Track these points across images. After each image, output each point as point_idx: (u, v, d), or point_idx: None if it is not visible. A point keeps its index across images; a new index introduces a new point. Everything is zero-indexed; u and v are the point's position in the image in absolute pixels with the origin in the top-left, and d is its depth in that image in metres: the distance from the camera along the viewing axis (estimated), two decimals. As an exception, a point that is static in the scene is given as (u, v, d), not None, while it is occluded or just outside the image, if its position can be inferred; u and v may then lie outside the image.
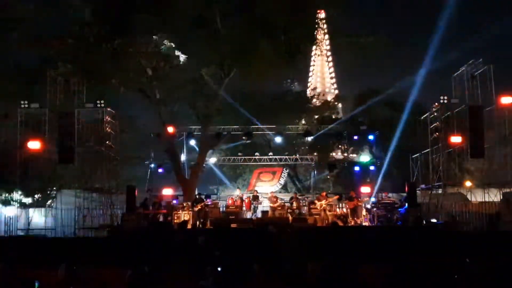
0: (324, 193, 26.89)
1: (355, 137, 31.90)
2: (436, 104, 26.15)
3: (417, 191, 26.05)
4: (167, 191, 27.34)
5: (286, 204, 26.08)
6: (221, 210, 25.92)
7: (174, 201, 26.59)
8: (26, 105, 25.53)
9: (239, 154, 32.77)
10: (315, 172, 37.81)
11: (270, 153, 32.82)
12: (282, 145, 36.44)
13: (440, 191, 26.53)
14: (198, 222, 24.43)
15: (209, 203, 25.75)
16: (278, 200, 25.96)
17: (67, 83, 25.99)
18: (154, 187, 29.15)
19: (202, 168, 33.52)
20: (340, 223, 24.21)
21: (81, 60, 28.10)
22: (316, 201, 25.63)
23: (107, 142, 26.47)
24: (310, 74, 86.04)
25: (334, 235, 20.57)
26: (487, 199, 25.15)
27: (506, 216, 22.96)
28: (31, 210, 25.50)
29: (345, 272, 12.89)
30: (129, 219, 23.47)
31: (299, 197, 27.46)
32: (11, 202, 26.34)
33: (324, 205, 24.96)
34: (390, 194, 28.38)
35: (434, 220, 23.78)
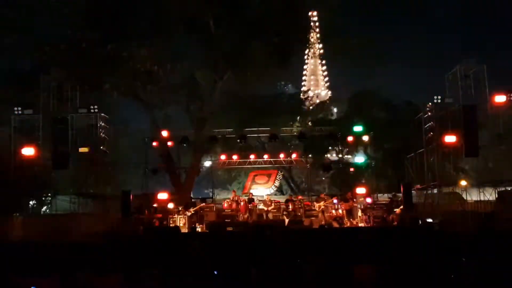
0: (322, 195, 26.91)
1: (350, 138, 31.82)
2: (430, 104, 26.18)
3: (413, 191, 26.03)
4: (162, 196, 27.22)
5: (282, 206, 26.07)
6: (216, 213, 25.85)
7: (170, 205, 26.49)
8: (20, 111, 25.48)
9: (234, 157, 32.61)
10: (310, 174, 37.73)
11: (265, 156, 32.72)
12: (277, 148, 36.41)
13: (435, 190, 26.57)
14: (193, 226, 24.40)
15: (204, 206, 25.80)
16: (273, 203, 25.96)
17: (61, 89, 25.95)
18: (149, 192, 29.03)
19: (197, 172, 33.47)
20: (336, 225, 24.22)
21: (74, 65, 28.05)
22: (315, 203, 25.70)
23: (101, 147, 26.41)
24: (304, 76, 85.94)
25: (329, 236, 20.60)
26: (482, 198, 25.18)
27: (501, 215, 22.97)
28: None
29: (340, 272, 12.91)
30: (125, 224, 23.42)
31: (294, 199, 27.46)
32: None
33: (322, 207, 25.01)
34: (385, 195, 28.44)
35: (429, 220, 23.80)
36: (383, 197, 29.28)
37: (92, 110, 25.78)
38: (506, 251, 17.31)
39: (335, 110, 57.06)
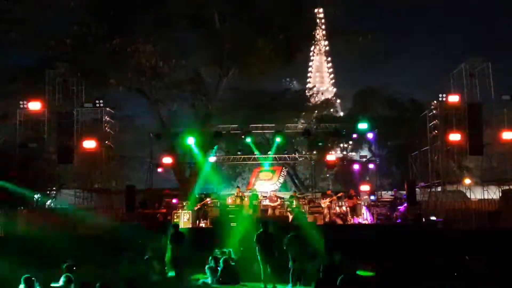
0: (329, 191, 26.91)
1: (354, 135, 31.84)
2: (435, 102, 26.16)
3: (417, 189, 26.04)
4: (167, 191, 27.33)
5: (286, 202, 26.09)
6: (220, 209, 25.84)
7: (174, 201, 26.56)
8: (25, 105, 25.56)
9: (238, 153, 32.68)
10: (314, 170, 37.77)
11: (269, 152, 32.72)
12: (281, 144, 36.44)
13: (439, 189, 26.56)
14: (197, 221, 24.46)
15: (209, 202, 25.77)
16: (278, 200, 25.97)
17: (66, 83, 26.04)
18: (154, 187, 29.11)
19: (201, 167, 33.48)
20: (340, 222, 24.23)
21: (79, 60, 28.15)
22: (321, 199, 25.70)
23: (106, 142, 26.49)
24: (309, 72, 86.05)
25: (333, 233, 20.64)
26: (486, 197, 25.18)
27: (505, 213, 22.98)
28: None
29: (345, 269, 12.88)
30: (129, 219, 23.50)
31: (299, 196, 27.48)
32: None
33: (328, 203, 25.01)
34: (389, 192, 28.44)
35: (433, 218, 23.80)
36: (387, 195, 29.30)
37: (97, 105, 25.85)
38: (509, 250, 17.33)
39: (340, 107, 57.17)
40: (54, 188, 28.53)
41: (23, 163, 25.46)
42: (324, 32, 50.62)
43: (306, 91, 54.94)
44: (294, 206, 25.39)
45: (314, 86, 67.79)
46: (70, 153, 25.14)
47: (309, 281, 13.99)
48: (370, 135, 30.20)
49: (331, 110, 50.98)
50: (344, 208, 25.40)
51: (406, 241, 19.10)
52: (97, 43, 28.41)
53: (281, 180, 35.35)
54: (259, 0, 30.26)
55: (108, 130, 26.68)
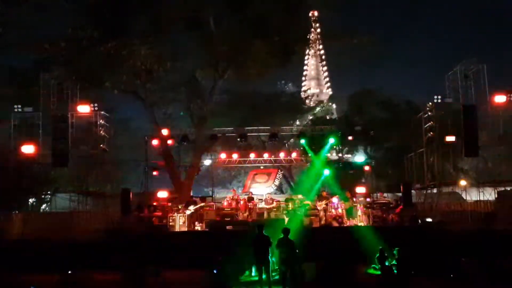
0: (324, 193, 26.82)
1: (350, 138, 31.85)
2: (430, 103, 26.18)
3: (412, 191, 26.03)
4: (162, 194, 27.23)
5: (282, 205, 26.02)
6: (216, 212, 25.77)
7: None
8: (20, 109, 25.49)
9: (234, 155, 32.60)
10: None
11: (265, 155, 32.71)
12: (277, 146, 36.40)
13: (435, 190, 26.56)
14: (192, 225, 24.38)
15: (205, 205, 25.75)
16: (274, 202, 25.93)
17: (61, 87, 25.97)
18: (149, 190, 29.05)
19: (197, 170, 33.44)
20: (336, 224, 24.18)
21: (74, 63, 28.05)
22: (317, 201, 25.58)
23: (101, 145, 26.42)
24: (304, 75, 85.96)
25: (329, 236, 20.65)
26: (482, 198, 25.19)
27: (501, 215, 22.98)
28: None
29: (340, 271, 12.88)
30: (124, 222, 23.42)
31: (294, 198, 27.43)
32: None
33: (324, 205, 24.91)
34: (385, 194, 28.40)
35: (429, 220, 23.78)
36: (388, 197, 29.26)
37: (92, 108, 25.80)
38: (505, 251, 17.33)
39: (335, 108, 57.17)
40: (49, 192, 28.44)
41: (17, 166, 25.37)
42: (319, 34, 50.66)
43: (301, 93, 54.95)
44: (290, 208, 25.36)
45: (309, 89, 67.80)
46: (65, 157, 25.07)
47: (308, 283, 13.98)
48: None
49: (326, 112, 50.88)
50: (340, 210, 25.35)
51: (402, 243, 19.07)
52: (92, 46, 28.32)
53: (277, 182, 35.35)
54: (254, 3, 30.21)
55: (103, 133, 26.63)
